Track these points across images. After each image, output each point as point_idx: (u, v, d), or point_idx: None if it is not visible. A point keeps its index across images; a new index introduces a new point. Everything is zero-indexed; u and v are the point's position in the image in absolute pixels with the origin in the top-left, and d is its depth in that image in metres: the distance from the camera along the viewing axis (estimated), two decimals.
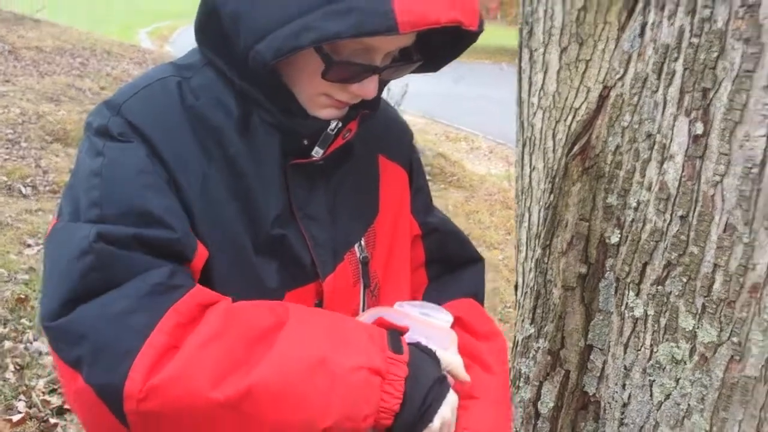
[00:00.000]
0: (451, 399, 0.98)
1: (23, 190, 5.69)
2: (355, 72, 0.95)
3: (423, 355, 0.98)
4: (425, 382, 0.95)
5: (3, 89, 8.13)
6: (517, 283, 1.62)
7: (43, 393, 3.16)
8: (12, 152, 6.35)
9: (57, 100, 8.03)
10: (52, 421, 3.00)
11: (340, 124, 1.02)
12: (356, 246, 1.10)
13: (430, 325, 1.06)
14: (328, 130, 1.01)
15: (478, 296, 1.25)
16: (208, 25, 0.99)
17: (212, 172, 0.97)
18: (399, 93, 9.78)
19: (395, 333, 0.98)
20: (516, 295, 1.62)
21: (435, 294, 1.21)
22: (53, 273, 0.90)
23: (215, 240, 0.96)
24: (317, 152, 1.02)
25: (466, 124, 12.71)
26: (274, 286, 1.00)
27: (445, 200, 6.91)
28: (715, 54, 1.13)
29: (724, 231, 1.15)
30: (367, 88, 0.97)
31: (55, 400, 3.14)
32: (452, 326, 1.08)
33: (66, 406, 3.12)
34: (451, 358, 1.03)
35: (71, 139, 6.82)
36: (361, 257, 1.10)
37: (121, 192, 0.91)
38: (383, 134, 1.18)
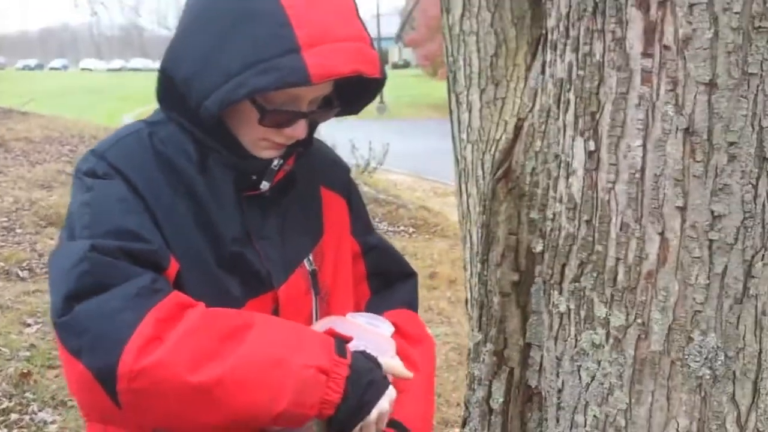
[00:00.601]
0: (390, 393, 1.20)
1: (20, 273, 5.88)
2: (286, 118, 1.19)
3: (364, 359, 1.19)
4: (363, 381, 1.16)
5: None
6: (467, 298, 1.82)
7: None
8: (8, 238, 6.56)
9: (48, 186, 8.28)
10: None
11: (281, 161, 1.25)
12: (305, 261, 1.32)
13: (375, 333, 1.28)
14: (272, 166, 1.25)
15: (412, 306, 1.48)
16: (166, 91, 1.23)
17: (178, 204, 1.20)
18: (381, 152, 10.08)
19: (341, 341, 1.19)
20: (467, 309, 1.81)
21: (376, 304, 1.43)
22: (57, 279, 1.11)
23: (184, 258, 1.18)
24: (264, 185, 1.26)
25: (453, 178, 12.99)
26: (237, 296, 1.22)
27: (431, 249, 7.13)
28: (597, 82, 1.35)
29: (620, 229, 1.35)
30: (297, 130, 1.21)
31: None
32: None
33: None
34: (392, 362, 1.24)
35: (64, 222, 7.05)
36: (311, 270, 1.32)
37: (107, 215, 1.14)
38: (324, 169, 1.42)
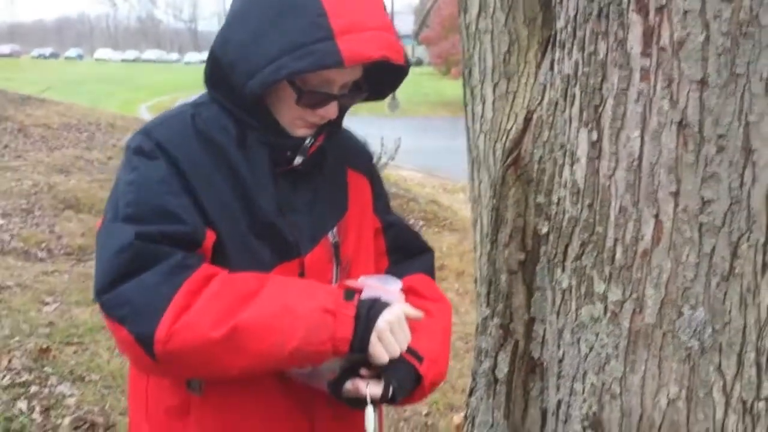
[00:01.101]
0: (395, 309, 1.33)
1: (39, 254, 6.04)
2: (320, 99, 1.34)
3: (372, 302, 1.32)
4: (369, 311, 1.30)
5: (15, 164, 8.56)
6: (476, 277, 1.96)
7: (69, 429, 3.44)
8: (27, 220, 6.73)
9: (67, 171, 8.45)
10: None
11: (313, 139, 1.40)
12: (330, 233, 1.46)
13: (385, 289, 1.41)
14: (305, 143, 1.39)
15: (429, 274, 1.61)
16: (213, 73, 1.38)
17: (218, 178, 1.35)
18: (392, 148, 10.18)
19: (351, 291, 1.33)
20: (476, 287, 1.95)
21: (394, 273, 1.56)
22: (102, 261, 1.28)
23: (222, 227, 1.33)
24: (298, 160, 1.40)
25: (464, 176, 13.05)
26: (268, 261, 1.37)
27: (440, 242, 7.28)
28: (600, 79, 1.48)
29: (619, 212, 1.48)
30: (329, 111, 1.36)
31: None
32: (405, 293, 1.44)
33: None
34: (400, 305, 1.36)
35: (82, 205, 7.22)
36: (334, 242, 1.46)
37: (148, 196, 1.30)
38: (351, 152, 1.57)
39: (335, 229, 1.48)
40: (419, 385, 1.42)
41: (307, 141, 1.41)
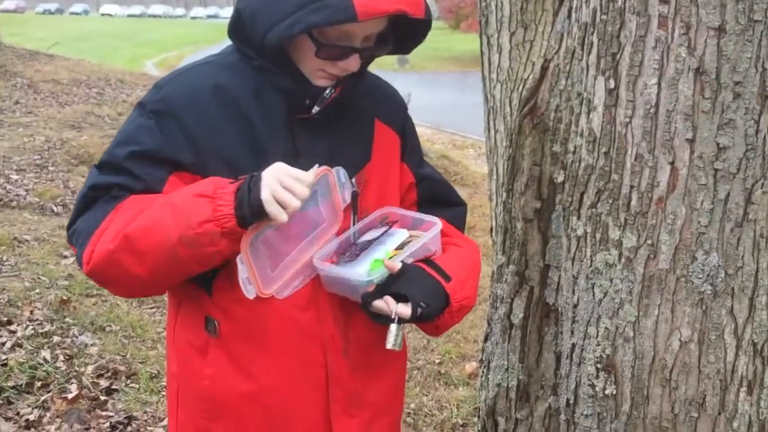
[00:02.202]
0: (276, 165, 1.35)
1: (55, 209, 6.10)
2: (339, 52, 1.36)
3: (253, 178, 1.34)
4: (253, 182, 1.32)
5: (27, 120, 8.58)
6: (492, 226, 1.99)
7: (92, 377, 3.54)
8: (41, 176, 6.78)
9: (78, 127, 8.48)
10: (102, 398, 3.37)
11: (332, 90, 1.42)
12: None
13: (421, 216, 1.54)
14: (324, 93, 1.41)
15: (457, 226, 1.64)
16: (236, 23, 1.41)
17: (226, 125, 1.41)
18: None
19: (248, 180, 1.34)
20: (491, 236, 1.98)
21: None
22: (75, 202, 1.44)
23: (227, 174, 1.39)
24: (315, 109, 1.42)
25: (473, 131, 13.06)
26: None
27: None
28: (618, 26, 1.49)
29: (635, 159, 1.50)
30: (350, 64, 1.38)
31: (103, 382, 3.51)
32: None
33: (114, 386, 3.50)
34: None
35: (95, 160, 7.24)
36: (353, 191, 1.48)
37: (120, 150, 1.42)
38: (381, 103, 1.59)
39: (354, 179, 1.51)
40: (448, 305, 1.47)
41: (327, 91, 1.43)
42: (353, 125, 1.52)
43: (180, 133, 1.39)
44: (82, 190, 1.42)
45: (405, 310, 1.41)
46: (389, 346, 1.42)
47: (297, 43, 1.36)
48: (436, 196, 1.69)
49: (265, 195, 1.28)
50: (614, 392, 1.60)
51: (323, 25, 1.30)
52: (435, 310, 1.45)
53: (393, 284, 1.42)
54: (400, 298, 1.42)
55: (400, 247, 1.50)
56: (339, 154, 1.48)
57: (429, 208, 1.64)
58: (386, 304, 1.40)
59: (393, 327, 1.42)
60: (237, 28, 1.42)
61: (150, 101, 1.42)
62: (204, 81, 1.43)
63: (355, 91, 1.49)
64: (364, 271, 1.44)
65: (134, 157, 1.38)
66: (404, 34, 1.46)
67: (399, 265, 1.43)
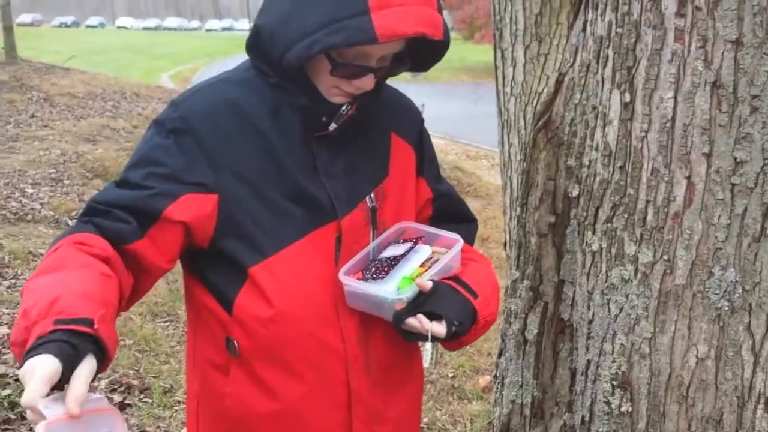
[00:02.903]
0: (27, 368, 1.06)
1: (70, 222, 6.12)
2: (354, 71, 1.36)
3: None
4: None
5: (42, 133, 8.65)
6: (505, 240, 1.97)
7: (105, 391, 3.53)
8: (56, 189, 6.81)
9: (94, 140, 8.53)
10: None
11: (348, 107, 1.41)
12: (367, 198, 1.48)
13: (439, 232, 1.52)
14: (341, 110, 1.40)
15: (469, 242, 1.63)
16: (254, 40, 1.40)
17: (244, 144, 1.40)
18: None
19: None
20: (505, 250, 1.97)
21: None
22: None
23: (247, 194, 1.38)
24: (332, 126, 1.41)
25: (486, 142, 13.04)
26: (303, 224, 1.41)
27: None
28: (634, 39, 1.48)
29: (651, 174, 1.49)
30: (365, 83, 1.38)
31: (117, 398, 3.50)
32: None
33: (128, 401, 3.49)
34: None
35: (110, 174, 7.28)
36: (371, 206, 1.48)
37: (136, 172, 1.38)
38: (397, 117, 1.58)
39: (373, 194, 1.50)
40: (475, 321, 1.46)
41: (343, 108, 1.42)
42: (370, 140, 1.52)
43: (198, 151, 1.37)
44: (88, 203, 1.39)
45: (440, 329, 1.40)
46: (426, 364, 1.43)
47: (314, 60, 1.36)
48: (451, 212, 1.68)
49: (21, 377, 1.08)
50: (630, 409, 1.58)
51: (343, 46, 1.30)
52: (466, 328, 1.45)
53: (426, 302, 1.42)
54: (432, 316, 1.41)
55: (424, 263, 1.50)
56: (357, 170, 1.48)
57: (442, 223, 1.63)
58: (419, 322, 1.40)
59: (428, 346, 1.42)
60: (255, 44, 1.41)
61: (168, 119, 1.41)
62: (221, 98, 1.42)
63: (372, 108, 1.48)
64: (393, 288, 1.43)
65: (153, 176, 1.37)
66: (421, 53, 1.45)
67: (431, 284, 1.43)
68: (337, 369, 1.46)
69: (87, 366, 1.06)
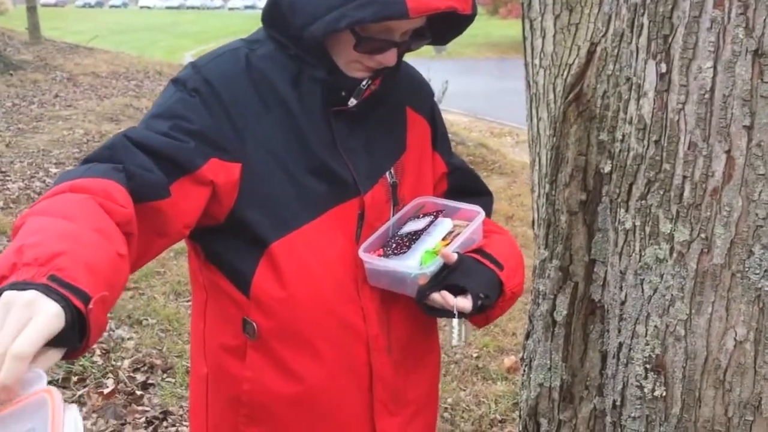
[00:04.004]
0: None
1: None
2: (379, 46, 1.30)
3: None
4: None
5: (66, 113, 8.67)
6: (533, 218, 1.91)
7: (129, 371, 3.54)
8: None
9: (117, 120, 8.55)
10: (138, 393, 3.36)
11: (369, 81, 1.36)
12: (387, 173, 1.43)
13: (459, 205, 1.48)
14: (361, 85, 1.35)
15: (487, 214, 1.58)
16: (272, 12, 1.35)
17: (266, 115, 1.34)
18: (440, 90, 10.06)
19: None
20: (533, 228, 1.91)
21: None
22: None
23: (269, 165, 1.33)
24: (352, 102, 1.36)
25: (511, 119, 12.91)
26: (325, 199, 1.36)
27: (489, 186, 7.22)
28: (670, 6, 1.40)
29: (688, 148, 1.42)
30: (388, 58, 1.33)
31: (140, 377, 3.51)
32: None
33: (150, 381, 3.49)
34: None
35: None
36: (392, 182, 1.44)
37: (160, 123, 1.27)
38: (411, 91, 1.53)
39: (392, 170, 1.45)
40: (502, 294, 1.42)
41: (363, 83, 1.36)
42: (388, 115, 1.47)
43: (224, 115, 1.30)
44: (115, 135, 1.24)
45: (465, 303, 1.36)
46: (455, 342, 1.39)
47: (336, 34, 1.30)
48: (466, 185, 1.64)
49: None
50: (664, 394, 1.52)
51: (372, 21, 1.24)
52: (492, 300, 1.40)
53: (450, 276, 1.37)
54: (457, 291, 1.36)
55: (446, 237, 1.45)
56: (375, 146, 1.43)
57: (458, 197, 1.59)
58: (443, 298, 1.35)
59: (455, 322, 1.38)
60: (273, 16, 1.36)
61: (189, 78, 1.32)
62: (244, 65, 1.36)
63: (392, 83, 1.43)
64: (416, 263, 1.38)
65: (179, 130, 1.26)
66: (444, 26, 1.39)
67: (455, 256, 1.37)
68: (358, 349, 1.42)
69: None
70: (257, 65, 1.36)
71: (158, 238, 1.24)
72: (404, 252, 1.40)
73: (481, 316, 1.46)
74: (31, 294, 0.85)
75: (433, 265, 1.37)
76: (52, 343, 0.85)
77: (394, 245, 1.41)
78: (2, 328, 0.81)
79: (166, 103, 1.31)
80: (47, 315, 0.84)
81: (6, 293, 0.85)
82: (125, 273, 1.07)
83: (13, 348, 0.80)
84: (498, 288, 1.42)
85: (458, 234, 1.44)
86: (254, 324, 1.37)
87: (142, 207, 1.17)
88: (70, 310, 0.87)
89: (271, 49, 1.37)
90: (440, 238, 1.44)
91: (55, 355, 0.88)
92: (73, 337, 0.88)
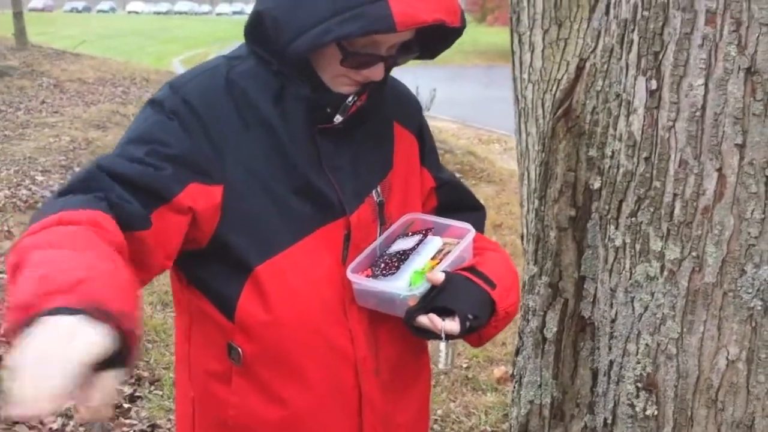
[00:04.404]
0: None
1: None
2: (366, 60, 1.27)
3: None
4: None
5: (53, 120, 8.62)
6: (522, 234, 1.89)
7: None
8: (66, 177, 6.78)
9: (103, 126, 8.50)
10: (126, 405, 3.32)
11: (356, 97, 1.33)
12: (374, 192, 1.40)
13: (449, 222, 1.45)
14: (347, 101, 1.32)
15: (479, 230, 1.55)
16: (255, 26, 1.31)
17: (248, 136, 1.30)
18: (428, 98, 10.06)
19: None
20: (522, 243, 1.89)
21: None
22: None
23: (252, 186, 1.29)
24: (338, 118, 1.33)
25: (499, 126, 12.92)
26: (310, 220, 1.32)
27: (477, 195, 7.17)
28: (661, 23, 1.39)
29: (679, 166, 1.40)
30: (375, 72, 1.30)
31: (127, 389, 3.46)
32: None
33: (137, 393, 3.45)
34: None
35: None
36: (378, 201, 1.41)
37: (137, 148, 1.24)
38: (398, 105, 1.49)
39: (379, 188, 1.43)
40: (494, 313, 1.39)
41: (349, 99, 1.34)
42: (374, 131, 1.44)
43: (203, 137, 1.27)
44: (88, 166, 1.22)
45: (453, 326, 1.32)
46: (441, 366, 1.36)
47: (321, 49, 1.27)
48: (456, 200, 1.61)
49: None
50: (656, 413, 1.50)
51: (359, 35, 1.21)
52: (483, 321, 1.37)
53: (438, 297, 1.34)
54: (446, 312, 1.34)
55: (436, 255, 1.42)
56: (362, 163, 1.40)
57: (449, 213, 1.56)
58: (431, 322, 1.32)
59: (442, 345, 1.35)
60: (255, 31, 1.32)
61: (167, 99, 1.29)
62: (224, 84, 1.32)
63: (379, 98, 1.40)
64: (405, 284, 1.36)
65: (157, 155, 1.23)
66: (432, 39, 1.37)
67: (442, 277, 1.35)
68: (346, 372, 1.39)
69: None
70: (237, 82, 1.32)
71: (139, 270, 1.19)
72: (393, 273, 1.37)
73: (473, 335, 1.43)
74: (72, 320, 0.87)
75: (422, 287, 1.34)
76: (103, 367, 0.87)
77: (382, 265, 1.38)
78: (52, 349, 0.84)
79: (141, 127, 1.28)
80: (92, 336, 0.87)
81: (45, 318, 0.87)
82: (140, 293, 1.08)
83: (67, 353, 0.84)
84: (490, 307, 1.39)
85: (448, 252, 1.42)
86: (239, 349, 1.34)
87: (127, 236, 1.16)
88: (112, 333, 0.89)
89: (253, 65, 1.34)
90: (429, 257, 1.41)
91: (111, 377, 0.89)
92: (119, 360, 0.90)
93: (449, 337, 1.33)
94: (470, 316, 1.34)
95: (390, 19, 1.18)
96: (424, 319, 1.32)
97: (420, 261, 1.41)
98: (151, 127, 1.27)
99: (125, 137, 1.28)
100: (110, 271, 1.01)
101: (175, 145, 1.25)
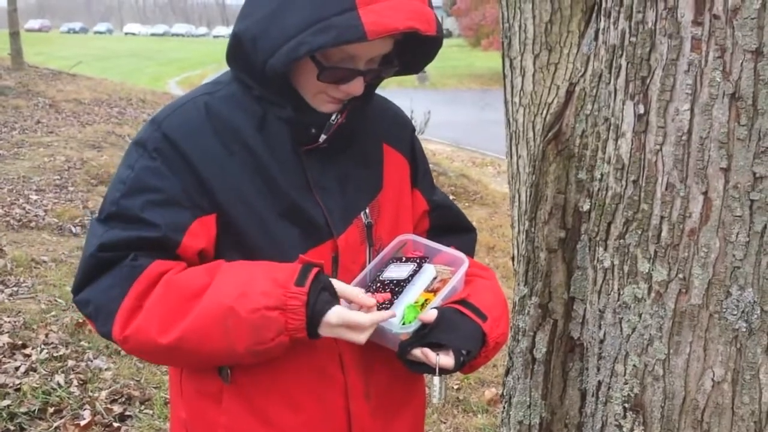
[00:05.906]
0: (336, 309, 1.28)
1: (73, 229, 6.09)
2: (343, 75, 1.28)
3: (320, 285, 1.27)
4: (317, 308, 1.26)
5: (48, 140, 8.63)
6: (513, 255, 1.91)
7: (106, 402, 3.48)
8: (60, 196, 6.79)
9: (99, 147, 8.51)
10: (116, 425, 3.31)
11: (338, 116, 1.34)
12: (362, 213, 1.41)
13: (442, 249, 1.46)
14: (330, 120, 1.34)
15: (470, 252, 1.57)
16: (235, 50, 1.32)
17: (232, 163, 1.31)
18: (422, 121, 10.11)
19: (307, 267, 1.28)
20: (513, 265, 1.91)
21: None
22: (80, 261, 1.31)
23: (240, 212, 1.31)
24: (322, 138, 1.35)
25: (493, 149, 13.00)
26: (298, 244, 1.33)
27: (470, 217, 7.20)
28: (648, 49, 1.42)
29: (666, 189, 1.43)
30: (353, 87, 1.30)
31: (117, 408, 3.45)
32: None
33: (127, 412, 3.44)
34: (347, 289, 1.33)
35: None
36: (366, 222, 1.42)
37: (130, 201, 1.29)
38: (388, 127, 1.51)
39: (368, 209, 1.44)
40: (484, 345, 1.40)
41: (332, 118, 1.35)
42: (362, 152, 1.45)
43: (188, 170, 1.29)
44: (89, 250, 1.28)
45: (447, 361, 1.34)
46: (435, 400, 1.37)
47: (299, 66, 1.28)
48: (448, 222, 1.62)
49: (331, 319, 1.27)
50: None
51: (330, 46, 1.21)
52: (475, 354, 1.39)
53: (432, 332, 1.35)
54: (439, 347, 1.35)
55: (430, 286, 1.43)
56: (350, 184, 1.41)
57: (441, 235, 1.57)
58: (426, 357, 1.34)
59: (436, 380, 1.35)
60: (236, 53, 1.33)
61: (150, 139, 1.31)
62: (205, 114, 1.33)
63: (362, 117, 1.41)
64: (397, 320, 1.36)
65: (152, 205, 1.27)
66: (412, 53, 1.38)
67: (435, 315, 1.36)
68: (335, 396, 1.40)
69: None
70: (217, 109, 1.34)
71: None
72: (386, 306, 1.37)
73: (465, 366, 1.44)
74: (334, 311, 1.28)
75: (415, 324, 1.35)
76: None
77: (376, 293, 1.39)
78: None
79: (131, 176, 1.30)
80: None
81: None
82: None
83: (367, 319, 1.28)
84: (481, 340, 1.41)
85: (440, 281, 1.43)
86: (228, 369, 1.35)
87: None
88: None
89: (235, 90, 1.35)
90: (423, 288, 1.42)
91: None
92: None
93: (443, 371, 1.34)
94: (464, 352, 1.36)
95: (360, 28, 1.18)
96: (418, 353, 1.33)
97: (413, 293, 1.41)
98: (139, 174, 1.29)
99: (117, 188, 1.31)
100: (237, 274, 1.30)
101: (164, 188, 1.28)
